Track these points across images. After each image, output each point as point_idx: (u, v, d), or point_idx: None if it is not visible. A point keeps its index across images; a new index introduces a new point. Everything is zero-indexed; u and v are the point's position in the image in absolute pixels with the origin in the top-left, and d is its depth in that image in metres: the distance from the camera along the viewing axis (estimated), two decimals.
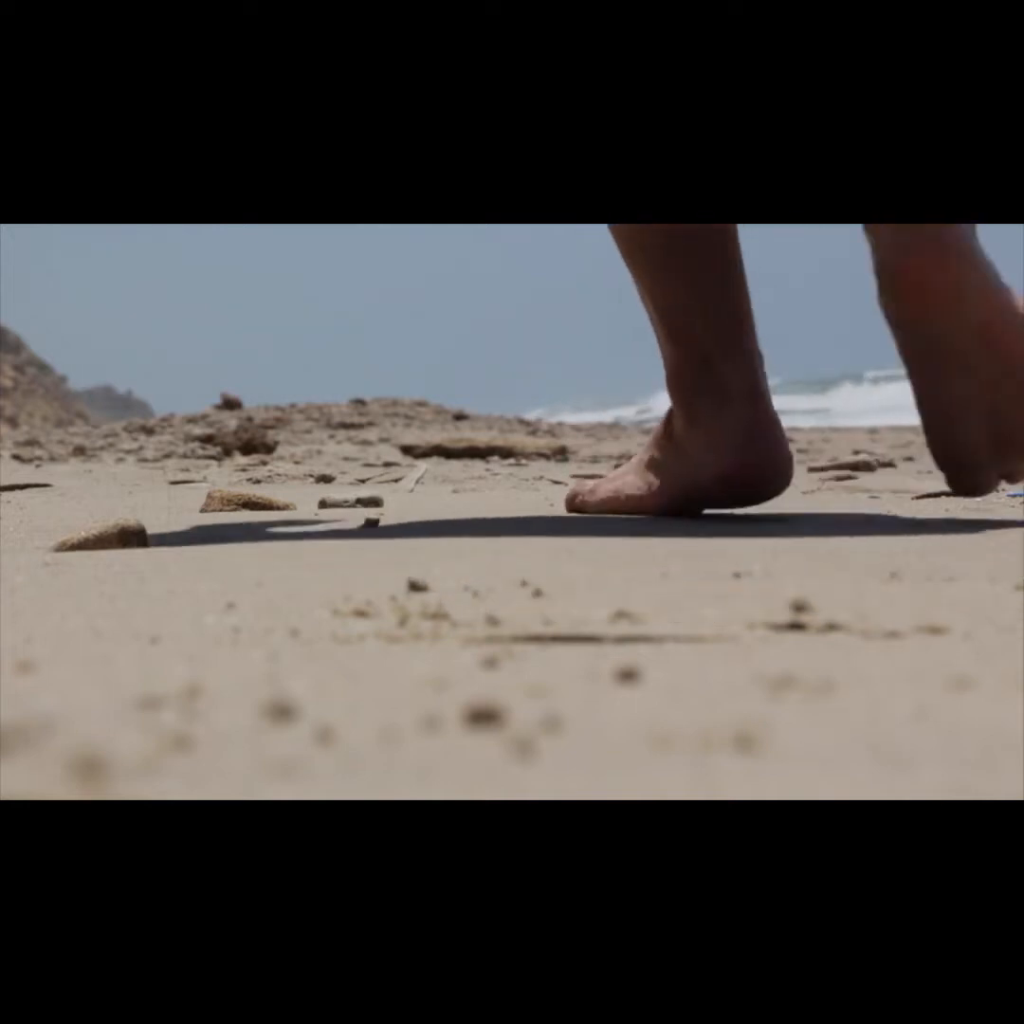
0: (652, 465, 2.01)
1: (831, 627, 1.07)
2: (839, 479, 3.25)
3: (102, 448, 6.37)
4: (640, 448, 3.31)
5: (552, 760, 0.71)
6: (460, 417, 9.07)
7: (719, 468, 1.91)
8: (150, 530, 1.79)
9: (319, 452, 5.77)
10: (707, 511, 2.11)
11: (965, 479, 1.84)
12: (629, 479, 2.02)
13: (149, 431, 7.60)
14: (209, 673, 0.93)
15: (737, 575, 1.35)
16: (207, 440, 6.15)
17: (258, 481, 3.66)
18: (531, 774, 0.69)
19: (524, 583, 1.30)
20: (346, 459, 5.16)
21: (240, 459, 5.22)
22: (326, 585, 1.33)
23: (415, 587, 1.27)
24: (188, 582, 1.37)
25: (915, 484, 2.87)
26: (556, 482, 4.01)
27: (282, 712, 0.79)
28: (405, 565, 1.46)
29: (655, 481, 1.99)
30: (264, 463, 4.91)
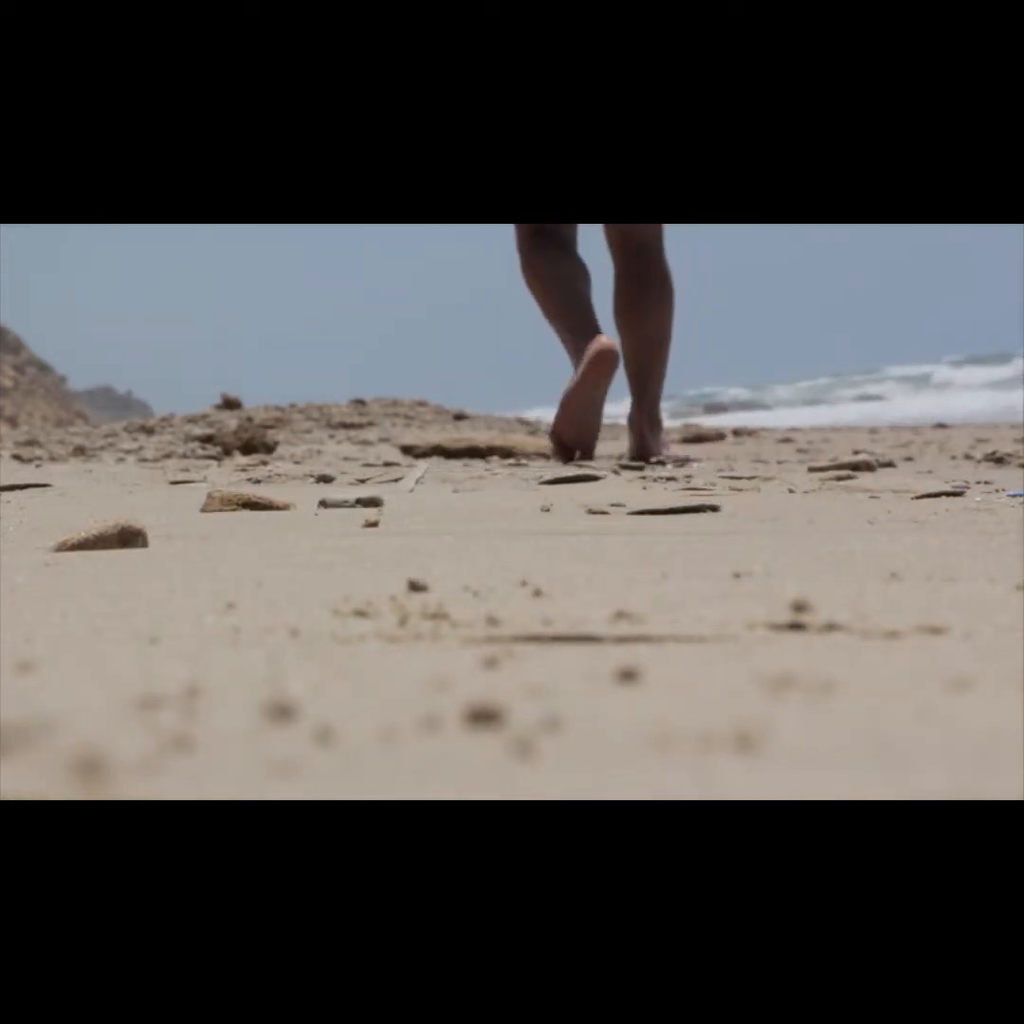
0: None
1: (831, 627, 1.07)
2: (839, 479, 3.25)
3: (102, 448, 6.36)
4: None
5: (552, 760, 0.71)
6: (460, 417, 9.06)
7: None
8: (150, 530, 1.79)
9: (319, 452, 5.77)
10: (705, 509, 2.20)
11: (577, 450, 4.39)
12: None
13: (149, 431, 7.59)
14: (209, 673, 0.93)
15: (737, 575, 1.35)
16: (207, 440, 6.14)
17: (258, 481, 3.65)
18: (531, 774, 0.69)
19: (524, 583, 1.30)
20: (346, 459, 5.15)
21: (240, 459, 5.21)
22: (326, 585, 1.33)
23: (415, 587, 1.27)
24: (188, 582, 1.37)
25: (915, 484, 2.87)
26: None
27: (282, 712, 0.79)
28: (405, 565, 1.46)
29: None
30: (264, 463, 4.90)
